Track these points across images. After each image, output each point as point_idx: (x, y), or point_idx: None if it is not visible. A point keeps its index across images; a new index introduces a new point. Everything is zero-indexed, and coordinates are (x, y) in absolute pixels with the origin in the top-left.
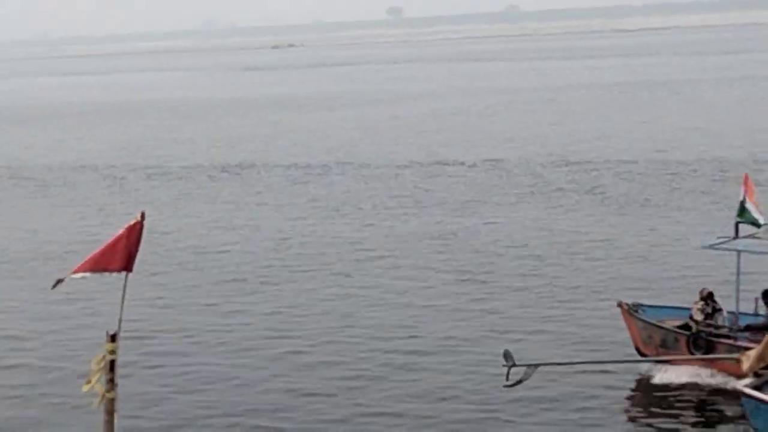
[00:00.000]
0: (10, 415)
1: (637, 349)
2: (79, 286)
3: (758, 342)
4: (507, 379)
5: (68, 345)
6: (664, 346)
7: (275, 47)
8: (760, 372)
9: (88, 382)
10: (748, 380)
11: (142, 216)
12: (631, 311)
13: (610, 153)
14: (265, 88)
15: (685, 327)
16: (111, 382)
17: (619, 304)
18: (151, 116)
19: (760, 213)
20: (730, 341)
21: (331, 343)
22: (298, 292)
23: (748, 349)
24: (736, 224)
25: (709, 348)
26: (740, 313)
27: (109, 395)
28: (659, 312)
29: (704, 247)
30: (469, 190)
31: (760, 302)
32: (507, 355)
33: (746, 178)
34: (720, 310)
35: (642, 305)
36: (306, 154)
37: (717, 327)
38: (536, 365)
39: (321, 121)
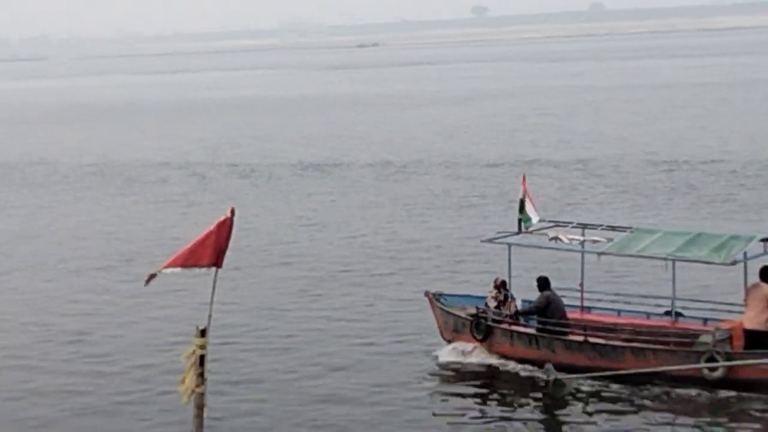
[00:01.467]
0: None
1: (441, 335)
2: (166, 280)
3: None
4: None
5: (157, 340)
6: (456, 330)
7: (360, 46)
8: None
9: (183, 381)
10: None
11: (232, 212)
12: (434, 299)
13: (699, 152)
14: (350, 86)
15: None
16: (201, 377)
17: (425, 294)
18: (234, 114)
19: (535, 211)
20: (505, 326)
21: (410, 354)
22: (382, 293)
23: (520, 333)
24: (519, 221)
25: (488, 332)
26: (524, 301)
27: (198, 390)
28: (461, 300)
29: (482, 241)
30: (556, 191)
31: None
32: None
33: (524, 178)
34: (513, 297)
35: (443, 294)
36: (390, 153)
37: (496, 313)
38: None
39: (406, 120)
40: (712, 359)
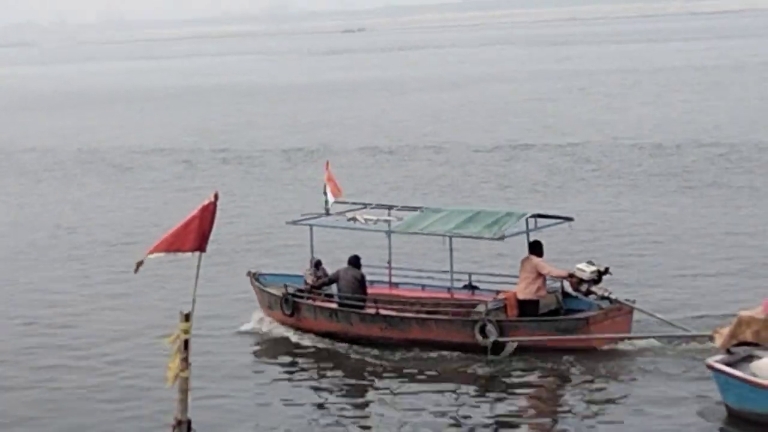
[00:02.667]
0: (82, 396)
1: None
2: (151, 265)
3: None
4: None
5: (141, 323)
6: (270, 307)
7: (346, 31)
8: (732, 350)
9: (170, 368)
10: (719, 356)
11: (216, 196)
12: (254, 278)
13: (695, 135)
14: (337, 72)
15: (301, 291)
16: (185, 361)
17: (248, 273)
18: (224, 100)
19: (333, 195)
20: (310, 301)
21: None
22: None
23: (322, 308)
24: (329, 204)
25: (295, 307)
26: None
27: (183, 374)
28: (284, 279)
29: (287, 223)
30: (550, 175)
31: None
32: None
33: (327, 164)
34: (327, 275)
35: (263, 273)
36: (380, 138)
37: (303, 291)
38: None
39: (394, 106)
40: (484, 327)
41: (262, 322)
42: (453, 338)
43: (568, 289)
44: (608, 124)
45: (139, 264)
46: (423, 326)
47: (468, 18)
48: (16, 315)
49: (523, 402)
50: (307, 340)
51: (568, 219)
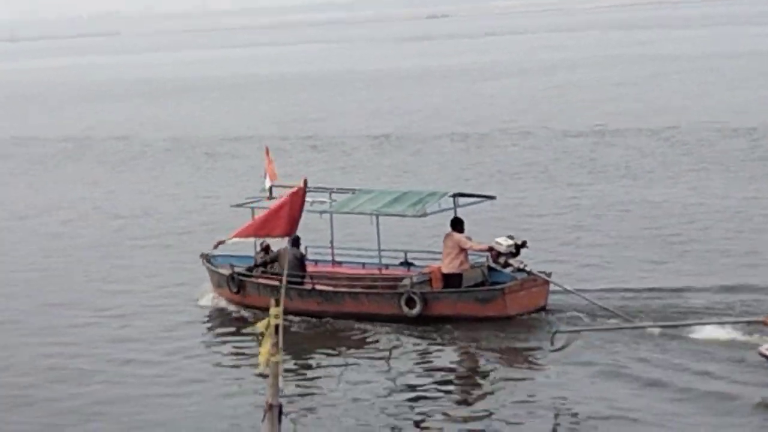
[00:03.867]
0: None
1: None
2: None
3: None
4: (552, 344)
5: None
6: (220, 286)
7: (430, 17)
8: None
9: (261, 353)
10: None
11: (305, 183)
12: (205, 260)
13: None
14: (421, 58)
15: (250, 270)
16: (276, 346)
17: (200, 255)
18: (309, 88)
19: (271, 179)
20: (252, 279)
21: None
22: None
23: (265, 285)
24: (270, 188)
25: (240, 285)
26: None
27: (274, 358)
28: (234, 261)
29: (231, 206)
30: (641, 159)
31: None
32: (551, 321)
33: (267, 150)
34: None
35: (215, 255)
36: (467, 124)
37: (250, 269)
38: (579, 330)
39: (478, 92)
40: (410, 299)
41: (214, 301)
42: (382, 310)
43: (493, 264)
44: (695, 108)
45: (220, 242)
46: (355, 300)
47: (550, 3)
48: (95, 304)
49: (444, 366)
50: (251, 315)
51: (490, 197)
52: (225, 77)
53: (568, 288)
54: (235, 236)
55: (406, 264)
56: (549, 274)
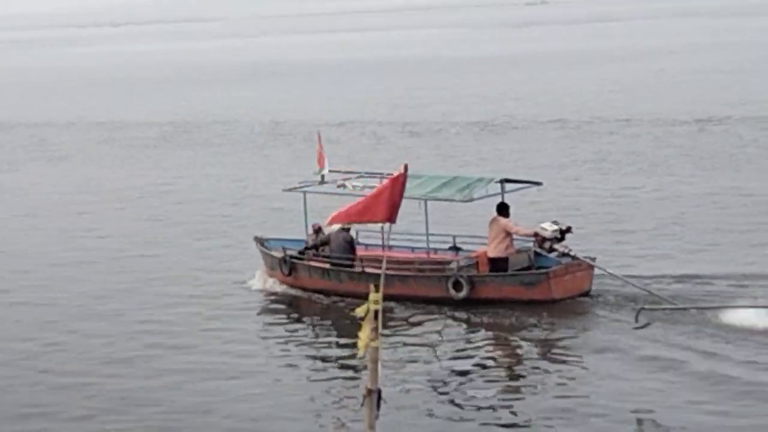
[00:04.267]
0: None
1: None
2: None
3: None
4: (636, 321)
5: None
6: (273, 268)
7: (528, 4)
8: None
9: (361, 339)
10: None
11: (405, 168)
12: (259, 243)
13: None
14: (521, 44)
15: (302, 253)
16: (375, 331)
17: (254, 238)
18: (411, 73)
19: (323, 164)
20: (304, 262)
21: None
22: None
23: (316, 267)
24: (322, 174)
25: (292, 267)
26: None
27: (373, 344)
28: (287, 244)
29: (284, 191)
30: (742, 148)
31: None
32: (637, 298)
33: (319, 136)
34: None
35: (268, 239)
36: (567, 111)
37: (302, 252)
38: (663, 308)
39: (580, 78)
40: (457, 282)
41: (269, 283)
42: (430, 293)
43: (538, 249)
44: None
45: (317, 229)
46: (404, 283)
47: None
48: (187, 291)
49: (491, 348)
50: (303, 297)
51: (537, 183)
52: (329, 61)
53: (614, 273)
54: (332, 221)
55: (455, 248)
56: (594, 259)
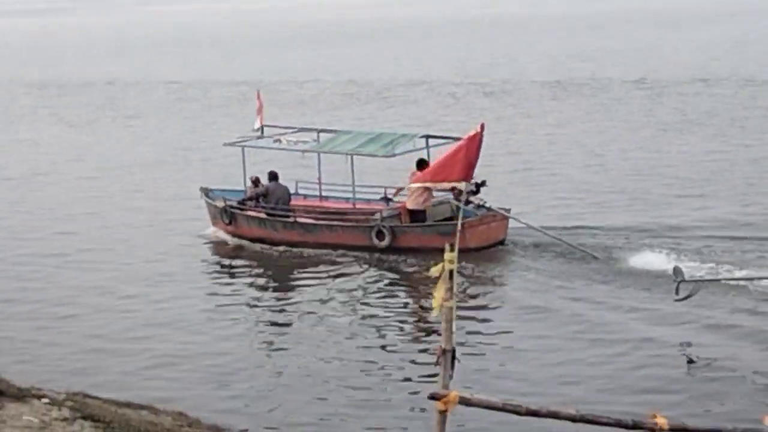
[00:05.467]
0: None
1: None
2: None
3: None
4: (677, 294)
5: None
6: (215, 218)
7: None
8: None
9: (435, 299)
10: None
11: (482, 127)
12: (203, 194)
13: None
14: (600, 3)
15: (242, 203)
16: (450, 291)
17: (200, 189)
18: (485, 33)
19: (259, 121)
20: (240, 211)
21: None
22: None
23: (254, 217)
24: (261, 128)
25: (232, 217)
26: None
27: (448, 304)
28: (228, 194)
29: (224, 144)
30: None
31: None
32: (677, 271)
33: (258, 93)
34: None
35: (212, 189)
36: (646, 71)
37: (243, 202)
38: (703, 281)
39: (663, 37)
40: (380, 232)
41: (213, 232)
42: (356, 242)
43: (454, 201)
44: None
45: (399, 189)
46: (332, 231)
47: None
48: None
49: (405, 294)
50: (242, 245)
51: (458, 139)
52: (409, 20)
53: (528, 223)
54: (413, 182)
55: (386, 200)
56: (508, 210)
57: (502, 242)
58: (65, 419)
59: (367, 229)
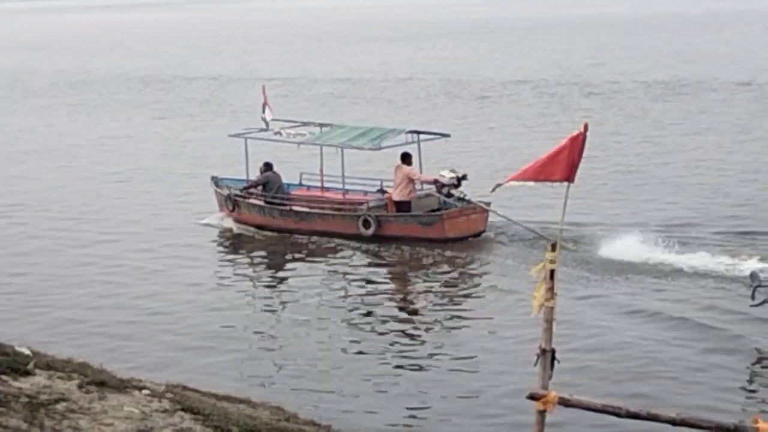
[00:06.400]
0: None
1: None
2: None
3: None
4: (752, 299)
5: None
6: (221, 205)
7: None
8: None
9: (534, 297)
10: None
11: (585, 128)
12: (213, 182)
13: None
14: (707, 3)
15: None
16: (551, 291)
17: (211, 178)
18: (587, 33)
19: (269, 113)
20: (242, 198)
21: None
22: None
23: (254, 204)
24: (266, 122)
25: (236, 204)
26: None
27: (548, 303)
28: (236, 182)
29: (229, 136)
30: None
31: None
32: (753, 276)
33: (263, 88)
34: (264, 179)
35: (221, 178)
36: (758, 73)
37: (244, 189)
38: None
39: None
40: (366, 221)
41: (217, 218)
42: (345, 230)
43: (436, 193)
44: None
45: (498, 185)
46: (324, 220)
47: None
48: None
49: (388, 279)
50: (243, 231)
51: (445, 135)
52: (508, 19)
53: (508, 217)
54: (512, 180)
55: (382, 191)
56: (488, 204)
57: (480, 233)
58: (165, 411)
59: (355, 218)
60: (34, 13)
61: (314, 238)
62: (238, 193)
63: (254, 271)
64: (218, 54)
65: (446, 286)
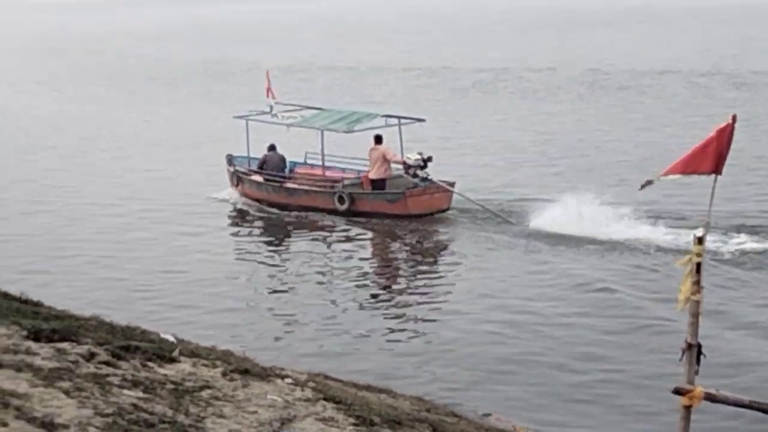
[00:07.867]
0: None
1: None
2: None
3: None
4: None
5: None
6: (231, 182)
7: None
8: None
9: (682, 292)
10: None
11: (734, 119)
12: (227, 160)
13: None
14: None
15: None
16: (697, 284)
17: (226, 156)
18: (731, 21)
19: (271, 98)
20: (249, 176)
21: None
22: None
23: (254, 181)
24: (271, 106)
25: (239, 180)
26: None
27: (694, 297)
28: (246, 161)
29: (234, 117)
30: None
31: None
32: None
33: (267, 73)
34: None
35: (235, 156)
36: None
37: (247, 168)
38: None
39: None
40: (341, 197)
41: (226, 193)
42: (325, 205)
43: (404, 174)
44: None
45: (648, 182)
46: (308, 195)
47: None
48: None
49: (369, 249)
50: (246, 205)
51: (420, 120)
52: (656, 6)
53: (466, 196)
54: (664, 174)
55: (324, 166)
56: (452, 184)
57: (445, 210)
58: (308, 400)
59: (332, 194)
60: (187, 4)
61: (301, 213)
62: (241, 170)
63: (251, 242)
64: (353, 43)
65: (411, 255)
